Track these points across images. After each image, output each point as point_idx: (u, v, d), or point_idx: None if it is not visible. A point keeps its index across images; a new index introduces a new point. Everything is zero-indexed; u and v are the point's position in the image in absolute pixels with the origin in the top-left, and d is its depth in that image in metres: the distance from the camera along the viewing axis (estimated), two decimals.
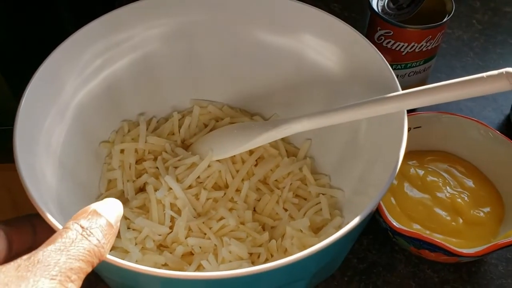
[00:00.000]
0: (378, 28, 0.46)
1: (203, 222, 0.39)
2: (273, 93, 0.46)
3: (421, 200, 0.42)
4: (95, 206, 0.26)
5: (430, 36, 0.46)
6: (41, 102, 0.35)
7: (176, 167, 0.42)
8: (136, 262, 0.36)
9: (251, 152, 0.43)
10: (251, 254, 0.38)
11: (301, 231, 0.39)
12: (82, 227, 0.24)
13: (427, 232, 0.40)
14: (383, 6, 0.47)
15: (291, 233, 0.38)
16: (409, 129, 0.43)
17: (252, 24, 0.43)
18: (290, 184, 0.42)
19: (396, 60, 0.48)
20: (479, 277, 0.42)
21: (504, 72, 0.26)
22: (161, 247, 0.39)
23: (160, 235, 0.38)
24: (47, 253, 0.22)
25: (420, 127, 0.45)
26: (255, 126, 0.41)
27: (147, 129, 0.44)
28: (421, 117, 0.45)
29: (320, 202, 0.41)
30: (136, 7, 0.40)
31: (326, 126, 0.37)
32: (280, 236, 0.39)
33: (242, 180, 0.42)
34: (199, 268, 0.37)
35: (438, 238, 0.39)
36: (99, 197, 0.42)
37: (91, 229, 0.24)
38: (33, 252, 0.23)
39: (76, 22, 0.39)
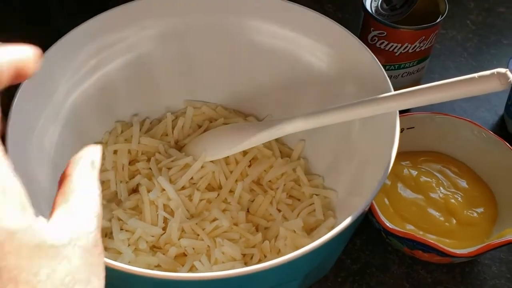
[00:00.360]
0: (372, 29, 0.47)
1: (196, 223, 0.39)
2: (267, 94, 0.46)
3: (415, 200, 0.42)
4: None
5: (424, 37, 0.46)
6: (34, 102, 0.35)
7: (169, 168, 0.42)
8: (129, 263, 0.36)
9: (244, 153, 0.43)
10: (244, 255, 0.38)
11: (295, 231, 0.39)
12: None
13: (421, 232, 0.40)
14: (377, 7, 0.47)
15: (284, 234, 0.38)
16: (402, 130, 0.43)
17: (245, 25, 0.43)
18: (284, 185, 0.42)
19: (389, 61, 0.48)
20: (472, 278, 0.42)
21: (495, 73, 0.26)
22: (154, 248, 0.39)
23: (153, 236, 0.38)
24: None
25: (413, 127, 0.45)
26: (248, 127, 0.41)
27: (140, 130, 0.44)
28: (415, 118, 0.45)
29: (313, 203, 0.41)
30: (129, 8, 0.40)
31: (320, 127, 0.37)
32: (274, 237, 0.39)
33: (236, 181, 0.42)
34: (192, 269, 0.37)
35: (431, 238, 0.39)
36: None
37: None
38: None
39: (69, 23, 0.38)
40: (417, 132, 0.45)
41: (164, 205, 0.39)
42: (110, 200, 0.42)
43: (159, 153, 0.43)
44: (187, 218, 0.39)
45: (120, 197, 0.41)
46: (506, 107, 0.52)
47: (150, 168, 0.42)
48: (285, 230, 0.38)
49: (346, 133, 0.41)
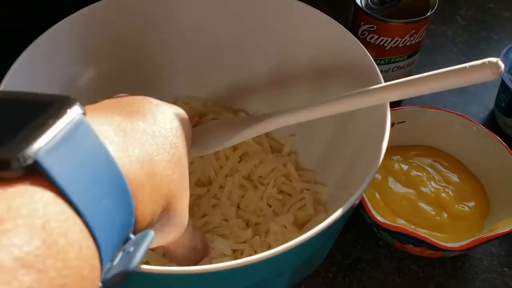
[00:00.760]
0: (362, 23, 0.46)
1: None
2: (257, 88, 0.45)
3: (406, 195, 0.42)
4: None
5: (414, 31, 0.46)
6: None
7: None
8: None
9: (234, 148, 0.43)
10: (234, 250, 0.38)
11: (285, 227, 0.38)
12: None
13: (412, 226, 0.40)
14: (367, 1, 0.47)
15: (275, 229, 0.38)
16: (393, 124, 0.43)
17: (234, 19, 0.42)
18: (274, 180, 0.42)
19: (380, 55, 0.47)
20: (464, 272, 0.41)
21: (486, 62, 0.26)
22: None
23: None
24: None
25: (404, 122, 0.45)
26: (238, 122, 0.41)
27: None
28: (405, 112, 0.45)
29: (304, 198, 0.40)
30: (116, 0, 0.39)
31: (310, 122, 0.36)
32: (264, 232, 0.39)
33: (226, 176, 0.42)
34: None
35: (422, 232, 0.39)
36: None
37: None
38: None
39: (55, 14, 0.37)
40: (408, 126, 0.45)
41: None
42: None
43: None
44: None
45: None
46: (496, 102, 0.52)
47: None
48: (276, 225, 0.38)
49: (337, 127, 0.40)
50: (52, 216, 0.15)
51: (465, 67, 0.27)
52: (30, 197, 0.15)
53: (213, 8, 0.42)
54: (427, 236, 0.37)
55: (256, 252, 0.38)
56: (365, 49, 0.35)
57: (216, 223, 0.38)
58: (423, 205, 0.41)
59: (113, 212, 0.18)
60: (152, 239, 0.20)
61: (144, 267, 0.25)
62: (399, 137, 0.43)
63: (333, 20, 0.38)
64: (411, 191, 0.42)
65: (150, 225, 0.22)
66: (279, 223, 0.38)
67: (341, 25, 0.37)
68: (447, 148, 0.46)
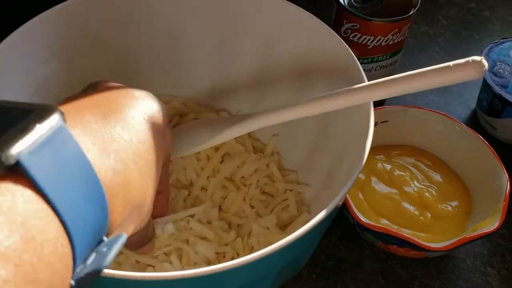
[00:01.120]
0: (345, 21, 0.46)
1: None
2: (239, 88, 0.45)
3: (389, 194, 0.42)
4: None
5: (397, 30, 0.45)
6: None
7: None
8: None
9: (216, 148, 0.42)
10: (217, 253, 0.37)
11: (268, 228, 0.38)
12: None
13: (395, 227, 0.40)
14: None
15: (257, 231, 0.37)
16: (376, 124, 0.42)
17: (216, 17, 0.41)
18: (257, 181, 0.41)
19: (362, 54, 0.47)
20: (447, 272, 0.41)
21: (470, 61, 0.26)
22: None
23: None
24: None
25: (387, 121, 0.44)
26: (220, 121, 0.40)
27: None
28: (388, 111, 0.44)
29: (287, 199, 0.40)
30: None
31: (293, 121, 0.36)
32: (247, 234, 0.38)
33: (207, 177, 0.41)
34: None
35: (406, 233, 0.39)
36: None
37: None
38: None
39: (28, 11, 0.36)
40: (391, 125, 0.45)
41: None
42: None
43: None
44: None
45: None
46: (478, 101, 0.52)
47: None
48: (259, 227, 0.37)
49: (320, 127, 0.40)
50: (31, 214, 0.16)
51: (449, 66, 0.26)
52: (11, 195, 0.16)
53: (195, 7, 0.41)
54: (410, 236, 0.37)
55: (238, 255, 0.37)
56: (348, 48, 0.35)
57: (198, 225, 0.38)
58: (406, 205, 0.41)
59: (89, 214, 0.19)
60: (124, 242, 0.22)
61: (125, 273, 0.24)
62: (382, 137, 0.43)
63: (316, 18, 0.37)
64: (394, 191, 0.42)
65: (120, 227, 0.23)
66: (262, 224, 0.38)
67: (324, 24, 0.37)
68: (429, 147, 0.45)
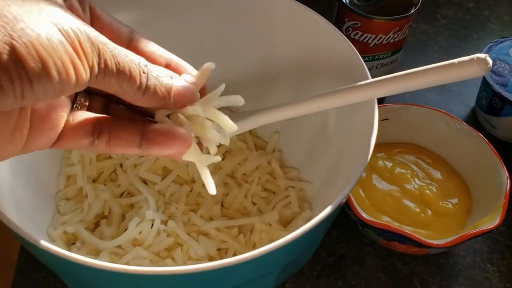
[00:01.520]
0: (346, 19, 0.46)
1: (169, 217, 0.37)
2: (241, 85, 0.44)
3: (390, 192, 0.42)
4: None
5: (398, 28, 0.46)
6: None
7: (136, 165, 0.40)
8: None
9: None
10: (219, 250, 0.37)
11: (270, 225, 0.38)
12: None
13: (396, 224, 0.40)
14: None
15: (260, 227, 0.37)
16: None
17: (218, 14, 0.41)
18: (259, 178, 0.41)
19: (363, 52, 0.47)
20: (448, 269, 0.42)
21: (475, 58, 0.26)
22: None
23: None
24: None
25: (387, 119, 0.45)
26: None
27: None
28: (389, 109, 0.45)
29: (289, 196, 0.40)
30: None
31: (295, 119, 0.36)
32: (249, 230, 0.38)
33: None
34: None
35: (407, 229, 0.39)
36: (58, 194, 0.40)
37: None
38: None
39: None
40: (392, 123, 0.45)
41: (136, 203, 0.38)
42: (76, 195, 0.40)
43: None
44: (163, 213, 0.38)
45: (85, 193, 0.40)
46: (477, 100, 0.53)
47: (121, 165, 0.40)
48: (261, 223, 0.37)
49: (322, 124, 0.40)
50: None
51: (454, 63, 0.27)
52: None
53: (198, 4, 0.41)
54: (412, 233, 0.37)
55: (240, 252, 0.37)
56: (351, 45, 0.35)
57: (200, 222, 0.38)
58: (407, 202, 0.41)
59: None
60: None
61: (133, 268, 0.24)
62: (382, 134, 0.43)
63: (319, 15, 0.37)
64: (395, 188, 0.42)
65: None
66: (264, 221, 0.38)
67: (328, 21, 0.37)
68: (430, 145, 0.46)
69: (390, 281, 0.41)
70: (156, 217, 0.37)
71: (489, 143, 0.42)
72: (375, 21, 0.45)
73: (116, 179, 0.41)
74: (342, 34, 0.36)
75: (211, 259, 0.37)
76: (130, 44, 0.26)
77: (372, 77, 0.30)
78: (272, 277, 0.30)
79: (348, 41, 0.35)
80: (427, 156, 0.45)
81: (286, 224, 0.39)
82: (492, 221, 0.38)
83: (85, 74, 0.20)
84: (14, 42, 0.18)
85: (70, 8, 0.23)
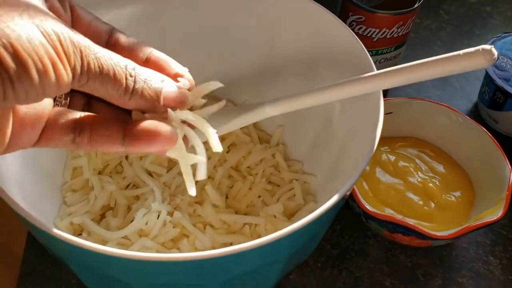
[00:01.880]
0: (350, 13, 0.46)
1: (175, 208, 0.38)
2: (245, 78, 0.45)
3: (393, 185, 0.42)
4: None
5: (401, 22, 0.46)
6: None
7: (141, 157, 0.41)
8: None
9: (222, 138, 0.42)
10: (224, 244, 0.37)
11: (275, 216, 0.38)
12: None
13: (400, 216, 0.40)
14: None
15: (264, 219, 0.38)
16: None
17: (222, 7, 0.42)
18: (263, 171, 0.42)
19: (367, 46, 0.47)
20: (451, 261, 0.42)
21: (480, 49, 0.26)
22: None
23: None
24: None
25: (391, 113, 0.45)
26: (226, 112, 0.40)
27: None
28: (393, 103, 0.45)
29: (293, 188, 0.40)
30: None
31: (299, 112, 0.36)
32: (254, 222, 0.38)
33: (214, 167, 0.41)
34: None
35: (410, 222, 0.39)
36: (64, 186, 0.40)
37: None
38: None
39: None
40: (395, 117, 0.45)
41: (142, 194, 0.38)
42: (82, 187, 0.40)
43: None
44: (168, 204, 0.38)
45: (91, 185, 0.40)
46: (480, 94, 0.53)
47: (126, 157, 0.41)
48: (265, 215, 0.38)
49: (327, 117, 0.40)
50: None
51: (459, 54, 0.27)
52: None
53: None
54: (416, 225, 0.37)
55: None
56: (356, 38, 0.35)
57: (205, 213, 0.38)
58: (410, 195, 0.41)
59: None
60: None
61: (139, 254, 0.24)
62: (386, 128, 0.43)
63: (324, 8, 0.37)
64: (398, 181, 0.42)
65: None
66: (268, 212, 0.38)
67: (333, 14, 0.37)
68: (433, 139, 0.46)
69: (393, 273, 0.41)
70: (162, 209, 0.37)
71: (491, 136, 0.43)
72: (379, 15, 0.45)
73: (122, 171, 0.41)
74: (346, 25, 0.36)
75: None
76: (109, 42, 0.26)
77: None
78: (277, 267, 0.31)
79: (353, 33, 0.36)
80: (430, 150, 0.45)
81: (291, 216, 0.39)
82: (495, 213, 0.38)
83: (66, 76, 0.20)
84: None
85: (50, 8, 0.23)
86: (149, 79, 0.23)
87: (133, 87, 0.22)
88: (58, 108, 0.24)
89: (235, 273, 0.28)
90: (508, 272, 0.41)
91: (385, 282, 0.40)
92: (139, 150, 0.24)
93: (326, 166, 0.40)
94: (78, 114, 0.24)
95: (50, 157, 0.39)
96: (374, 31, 0.46)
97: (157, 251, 0.36)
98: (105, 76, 0.21)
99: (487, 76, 0.50)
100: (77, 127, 0.24)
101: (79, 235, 0.37)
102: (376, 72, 0.30)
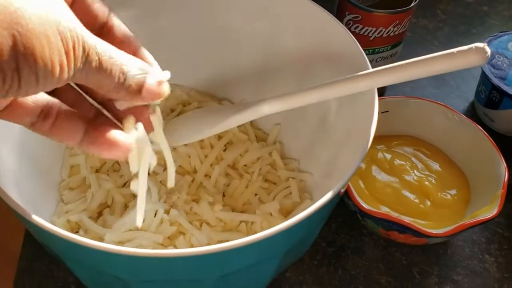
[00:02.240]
0: (347, 12, 0.46)
1: (171, 206, 0.38)
2: (242, 77, 0.45)
3: (389, 183, 0.42)
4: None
5: (398, 21, 0.46)
6: None
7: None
8: None
9: (219, 137, 0.43)
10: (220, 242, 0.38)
11: (271, 214, 0.38)
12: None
13: (396, 214, 0.40)
14: None
15: (261, 217, 0.38)
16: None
17: (219, 6, 0.42)
18: (260, 169, 0.42)
19: (364, 45, 0.47)
20: (446, 259, 0.42)
21: (473, 47, 0.26)
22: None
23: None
24: None
25: (387, 111, 0.45)
26: (223, 109, 0.40)
27: None
28: (389, 102, 0.45)
29: (289, 186, 0.40)
30: None
31: (296, 111, 0.36)
32: (250, 220, 0.39)
33: (211, 165, 0.41)
34: None
35: (406, 220, 0.39)
36: (61, 183, 0.40)
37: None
38: None
39: None
40: (392, 116, 0.45)
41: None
42: (79, 185, 0.40)
43: None
44: (165, 202, 0.38)
45: (88, 183, 0.40)
46: (476, 93, 0.53)
47: None
48: (262, 213, 0.38)
49: (322, 116, 0.40)
50: None
51: (453, 52, 0.27)
52: None
53: None
54: (411, 223, 0.37)
55: None
56: (352, 37, 0.36)
57: (202, 211, 0.38)
58: (406, 193, 0.42)
59: None
60: None
61: (136, 250, 0.24)
62: (382, 127, 0.43)
63: (320, 7, 0.38)
64: (394, 179, 0.43)
65: None
66: (265, 210, 0.38)
67: (328, 12, 0.37)
68: (429, 137, 0.46)
69: (389, 271, 0.41)
70: (159, 207, 0.37)
71: (487, 134, 0.43)
72: (375, 14, 0.45)
73: (119, 169, 0.41)
74: (342, 24, 0.36)
75: None
76: (105, 27, 0.25)
77: None
78: (272, 264, 0.31)
79: (349, 32, 0.36)
80: (426, 148, 0.45)
81: (287, 214, 0.39)
82: (490, 211, 0.38)
83: (67, 75, 0.20)
84: (15, 33, 0.18)
85: None
86: (136, 75, 0.23)
87: (123, 83, 0.23)
88: None
89: (230, 269, 0.28)
90: (504, 270, 0.42)
91: (381, 280, 0.41)
92: (91, 152, 0.25)
93: (322, 164, 0.40)
94: (47, 99, 0.24)
95: (47, 155, 0.39)
96: (371, 30, 0.46)
97: (154, 249, 0.36)
98: (103, 73, 0.21)
99: (484, 75, 0.50)
100: (43, 111, 0.24)
101: (76, 232, 0.38)
102: (370, 70, 0.31)
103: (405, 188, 0.42)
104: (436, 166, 0.44)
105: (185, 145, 0.41)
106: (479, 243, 0.43)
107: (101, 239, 0.36)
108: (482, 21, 0.65)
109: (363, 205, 0.38)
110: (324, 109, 0.40)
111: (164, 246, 0.37)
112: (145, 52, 0.26)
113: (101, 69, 0.21)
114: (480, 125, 0.44)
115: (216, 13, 0.42)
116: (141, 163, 0.26)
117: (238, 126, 0.43)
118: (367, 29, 0.46)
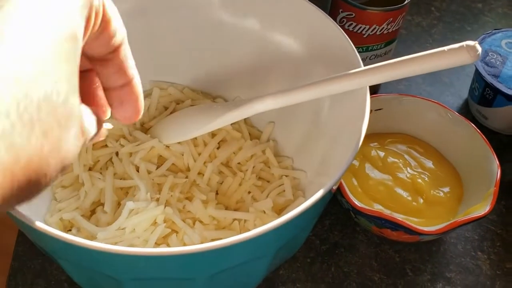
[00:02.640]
0: (340, 10, 0.46)
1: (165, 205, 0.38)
2: (236, 75, 0.45)
3: (382, 180, 0.42)
4: None
5: (391, 19, 0.46)
6: None
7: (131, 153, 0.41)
8: None
9: (213, 134, 0.43)
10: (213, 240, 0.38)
11: (264, 212, 0.38)
12: None
13: (388, 212, 0.41)
14: None
15: (254, 214, 0.38)
16: (370, 111, 0.43)
17: (213, 4, 0.42)
18: (253, 167, 0.42)
19: (357, 43, 0.48)
20: (439, 256, 0.42)
21: (464, 45, 0.26)
22: None
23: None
24: None
25: (381, 109, 0.45)
26: (217, 107, 0.40)
27: None
28: (382, 99, 0.45)
29: (283, 184, 0.40)
30: None
31: (289, 109, 0.36)
32: (243, 218, 0.39)
33: (204, 163, 0.41)
34: None
35: (399, 217, 0.39)
36: (54, 182, 0.40)
37: None
38: None
39: None
40: (385, 113, 0.45)
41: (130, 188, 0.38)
42: (72, 183, 0.40)
43: (124, 137, 0.42)
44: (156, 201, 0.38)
45: (81, 181, 0.40)
46: (470, 91, 0.53)
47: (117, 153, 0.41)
48: (255, 210, 0.38)
49: (315, 114, 0.40)
50: None
51: (444, 50, 0.27)
52: None
53: None
54: (403, 220, 0.37)
55: None
56: (345, 35, 0.36)
57: (196, 209, 0.38)
58: (399, 190, 0.42)
59: None
60: None
61: (128, 249, 0.24)
62: (376, 124, 0.44)
63: (314, 5, 0.38)
64: (387, 177, 0.43)
65: None
66: (258, 208, 0.38)
67: (321, 11, 0.37)
68: (422, 135, 0.46)
69: (382, 268, 0.41)
70: (153, 206, 0.37)
71: (480, 132, 0.43)
72: (369, 12, 0.45)
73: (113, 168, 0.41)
74: (335, 22, 0.36)
75: None
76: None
77: None
78: (265, 262, 0.31)
79: (342, 30, 0.36)
80: (419, 146, 0.46)
81: (280, 211, 0.39)
82: (482, 208, 0.38)
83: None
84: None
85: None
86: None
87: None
88: None
89: (223, 267, 0.28)
90: (496, 267, 0.42)
91: (374, 277, 0.41)
92: None
93: (315, 162, 0.40)
94: None
95: None
96: (364, 28, 0.46)
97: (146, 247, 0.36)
98: None
99: (477, 73, 0.50)
100: None
101: (68, 231, 0.37)
102: (362, 68, 0.31)
103: (398, 186, 0.42)
104: (429, 164, 0.44)
105: (179, 143, 0.41)
106: (471, 240, 0.43)
107: (93, 238, 0.36)
108: (476, 19, 0.65)
109: (356, 203, 0.38)
110: (317, 107, 0.40)
111: (157, 244, 0.37)
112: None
113: None
114: (473, 123, 0.44)
115: (210, 11, 0.42)
116: None
117: (232, 124, 0.43)
118: (360, 27, 0.46)
